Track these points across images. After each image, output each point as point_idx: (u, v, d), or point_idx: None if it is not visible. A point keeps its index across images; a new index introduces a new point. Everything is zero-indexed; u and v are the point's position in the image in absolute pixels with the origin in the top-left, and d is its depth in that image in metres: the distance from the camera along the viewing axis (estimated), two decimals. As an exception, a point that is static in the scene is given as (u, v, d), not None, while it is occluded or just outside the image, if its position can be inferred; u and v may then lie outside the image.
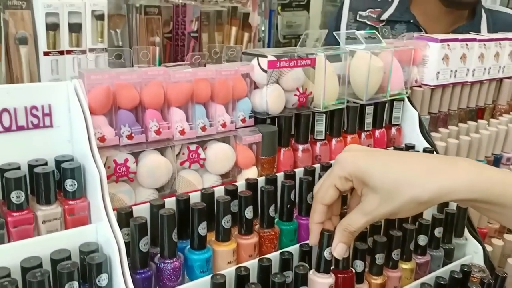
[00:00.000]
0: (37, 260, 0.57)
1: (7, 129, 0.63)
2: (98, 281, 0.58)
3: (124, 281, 0.59)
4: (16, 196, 0.59)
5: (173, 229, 0.65)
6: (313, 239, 0.70)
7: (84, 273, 0.59)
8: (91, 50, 1.38)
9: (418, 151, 1.02)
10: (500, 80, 1.37)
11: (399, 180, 0.60)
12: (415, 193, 0.59)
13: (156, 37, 1.56)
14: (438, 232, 0.89)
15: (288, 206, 0.77)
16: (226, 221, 0.70)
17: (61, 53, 1.26)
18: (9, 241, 0.59)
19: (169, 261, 0.65)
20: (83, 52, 1.40)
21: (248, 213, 0.72)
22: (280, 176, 0.82)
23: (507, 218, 0.60)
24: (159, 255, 0.66)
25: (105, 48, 1.39)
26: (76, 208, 0.64)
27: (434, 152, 1.02)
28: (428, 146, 1.03)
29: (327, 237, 0.68)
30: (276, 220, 0.77)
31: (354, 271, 0.75)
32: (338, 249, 0.67)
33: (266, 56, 0.80)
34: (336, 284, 0.72)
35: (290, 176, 0.81)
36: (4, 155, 0.63)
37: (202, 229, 0.67)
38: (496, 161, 1.25)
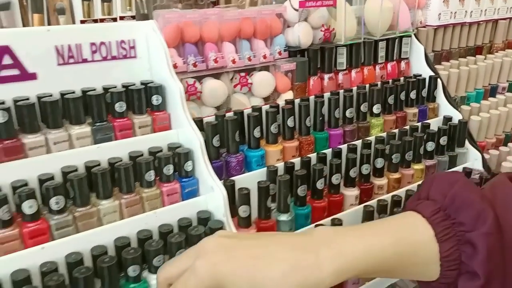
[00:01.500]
0: (138, 152, 0.76)
1: (105, 58, 0.82)
2: (185, 167, 0.78)
3: (205, 165, 0.78)
4: (119, 106, 0.78)
5: (235, 131, 0.83)
6: None
7: (174, 161, 0.78)
8: (121, 18, 1.58)
9: (423, 82, 1.19)
10: (496, 21, 1.53)
11: (263, 285, 0.52)
12: None
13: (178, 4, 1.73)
14: (443, 140, 1.07)
15: (320, 119, 0.96)
16: (274, 128, 0.88)
17: (95, 21, 1.45)
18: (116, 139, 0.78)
19: (234, 156, 0.84)
20: (114, 20, 1.59)
21: (290, 122, 0.91)
22: (311, 98, 1.00)
23: (385, 275, 0.57)
24: (226, 152, 0.85)
25: (133, 16, 1.58)
26: (160, 118, 0.83)
27: (438, 81, 1.20)
28: (433, 74, 1.21)
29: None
30: (311, 130, 0.96)
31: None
32: None
33: (296, -2, 0.98)
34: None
35: (320, 96, 1.00)
36: (103, 78, 0.81)
37: (256, 132, 0.86)
38: (492, 91, 1.43)
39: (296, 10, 0.98)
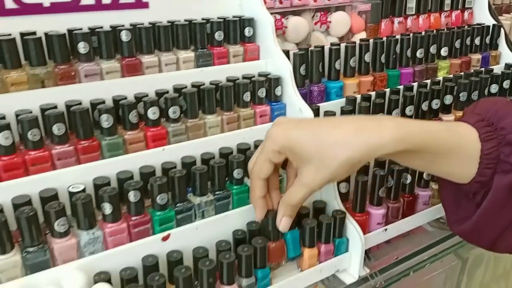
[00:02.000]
0: (234, 77, 0.85)
1: (200, -6, 0.90)
2: (275, 91, 0.86)
3: (293, 91, 0.86)
4: (218, 35, 0.87)
5: (319, 62, 0.91)
6: (259, 214, 0.70)
7: (266, 85, 0.86)
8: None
9: (482, 28, 1.24)
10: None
11: (329, 145, 0.59)
12: (346, 155, 0.58)
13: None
14: (506, 84, 1.13)
15: (393, 57, 1.03)
16: (352, 61, 0.96)
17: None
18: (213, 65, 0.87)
19: (316, 86, 0.93)
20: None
21: (366, 57, 0.98)
22: (384, 38, 1.06)
23: (425, 162, 0.62)
24: (309, 82, 0.93)
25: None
26: (251, 49, 0.91)
27: (501, 29, 1.24)
28: (495, 22, 1.25)
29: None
30: (384, 68, 1.03)
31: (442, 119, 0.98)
32: (283, 223, 0.68)
33: None
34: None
35: (392, 37, 1.06)
36: (201, 12, 0.90)
37: (337, 64, 0.94)
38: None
39: (374, -47, 1.04)
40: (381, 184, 0.82)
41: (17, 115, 0.65)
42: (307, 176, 0.62)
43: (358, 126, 0.59)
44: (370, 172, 0.86)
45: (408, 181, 0.87)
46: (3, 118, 0.64)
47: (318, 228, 0.75)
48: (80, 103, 0.69)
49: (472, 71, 1.14)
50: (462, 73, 1.12)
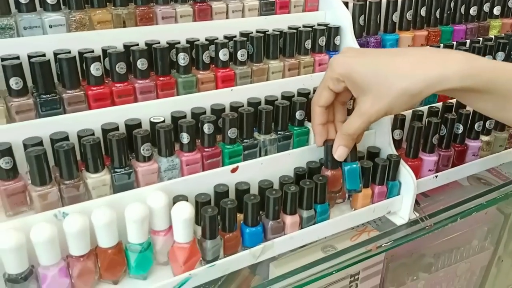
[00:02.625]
0: (296, 25, 0.89)
1: None
2: (335, 41, 0.90)
3: (352, 40, 0.89)
4: (281, -15, 0.90)
5: (377, 14, 0.94)
6: (318, 140, 0.73)
7: (326, 34, 0.90)
8: None
9: None
10: None
11: (388, 74, 0.57)
12: (405, 85, 0.56)
13: None
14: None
15: (447, 13, 1.04)
16: (408, 15, 0.98)
17: None
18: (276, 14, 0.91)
19: (373, 37, 0.96)
20: None
21: (422, 12, 1.00)
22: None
23: (495, 106, 0.58)
24: (365, 34, 0.96)
25: None
26: (311, 0, 0.94)
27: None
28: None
29: None
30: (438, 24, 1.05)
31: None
32: (339, 151, 0.70)
33: None
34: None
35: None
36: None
37: (394, 17, 0.96)
38: None
39: None
40: (434, 132, 0.85)
41: (103, 50, 0.70)
42: (364, 106, 0.61)
43: (423, 57, 0.57)
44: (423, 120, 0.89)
45: (459, 131, 0.90)
46: (92, 51, 0.69)
47: (373, 170, 0.79)
48: (159, 42, 0.74)
49: (525, 30, 1.14)
50: (515, 33, 1.13)
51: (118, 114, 0.68)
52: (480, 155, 0.95)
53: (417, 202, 0.87)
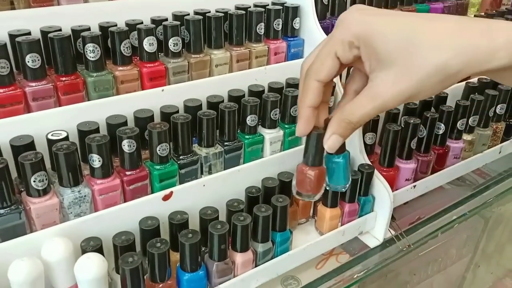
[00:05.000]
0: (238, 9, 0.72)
1: None
2: (293, 24, 0.73)
3: (315, 23, 0.73)
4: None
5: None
6: (302, 128, 0.51)
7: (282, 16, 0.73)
8: None
9: None
10: None
11: (421, 43, 0.42)
12: (444, 59, 0.42)
13: None
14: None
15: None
16: None
17: None
18: None
19: (338, 19, 0.80)
20: None
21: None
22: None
23: None
24: (330, 15, 0.80)
25: None
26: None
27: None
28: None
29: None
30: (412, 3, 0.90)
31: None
32: (332, 141, 0.49)
33: None
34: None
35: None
36: None
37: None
38: None
39: None
40: (413, 135, 0.71)
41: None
42: (381, 84, 0.44)
43: (463, 23, 0.42)
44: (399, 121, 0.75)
45: (440, 132, 0.76)
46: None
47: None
48: (60, 30, 0.55)
49: (505, 9, 1.02)
50: (494, 11, 1.00)
51: (3, 131, 0.50)
52: (462, 157, 0.82)
53: (392, 217, 0.73)
